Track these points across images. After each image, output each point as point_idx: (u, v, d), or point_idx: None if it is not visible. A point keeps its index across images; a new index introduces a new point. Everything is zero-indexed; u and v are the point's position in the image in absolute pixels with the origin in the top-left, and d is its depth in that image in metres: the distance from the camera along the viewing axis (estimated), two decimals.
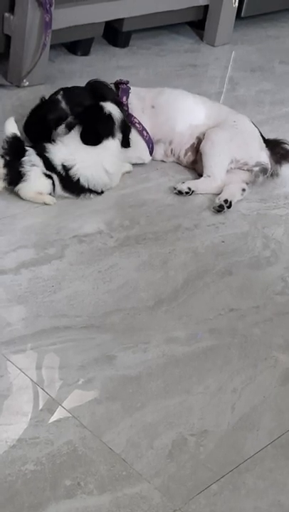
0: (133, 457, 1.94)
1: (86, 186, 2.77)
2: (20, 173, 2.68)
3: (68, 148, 2.76)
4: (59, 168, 2.73)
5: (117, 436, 1.98)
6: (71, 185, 2.76)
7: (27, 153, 2.69)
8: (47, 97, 2.97)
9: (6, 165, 2.68)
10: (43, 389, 2.07)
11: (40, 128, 2.92)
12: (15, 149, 2.69)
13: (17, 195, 2.72)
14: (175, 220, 2.82)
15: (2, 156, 2.70)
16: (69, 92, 2.93)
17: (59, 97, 2.92)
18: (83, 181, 2.76)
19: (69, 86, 3.00)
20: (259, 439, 2.06)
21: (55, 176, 2.73)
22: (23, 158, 2.68)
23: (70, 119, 2.88)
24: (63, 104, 2.90)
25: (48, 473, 1.86)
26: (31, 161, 2.69)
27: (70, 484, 1.85)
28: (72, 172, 2.74)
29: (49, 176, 2.72)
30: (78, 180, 2.75)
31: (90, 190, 2.79)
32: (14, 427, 1.95)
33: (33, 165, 2.68)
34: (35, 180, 2.69)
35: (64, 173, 2.74)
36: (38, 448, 1.91)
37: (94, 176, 2.77)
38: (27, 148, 2.71)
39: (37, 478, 1.84)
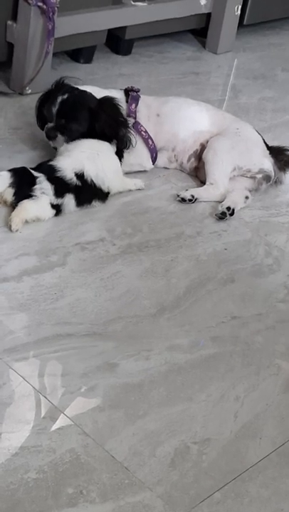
0: (135, 465, 1.93)
1: (98, 185, 2.78)
2: (30, 195, 2.66)
3: (72, 158, 2.78)
4: (74, 180, 2.73)
5: (120, 445, 1.98)
6: (87, 192, 2.77)
7: (38, 180, 2.68)
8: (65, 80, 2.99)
9: (16, 194, 2.67)
10: (46, 397, 2.06)
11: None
12: (24, 180, 2.68)
13: None
14: (177, 228, 2.82)
15: (12, 187, 2.67)
16: (69, 98, 2.91)
17: (59, 95, 2.91)
18: (95, 180, 2.77)
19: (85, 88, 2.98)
20: (262, 447, 2.06)
21: (67, 198, 2.72)
22: (35, 187, 2.67)
23: (51, 125, 2.91)
24: (55, 106, 2.90)
25: (51, 482, 1.85)
26: (42, 188, 2.68)
27: (73, 492, 1.84)
28: (85, 175, 2.75)
29: (54, 207, 2.70)
30: (92, 181, 2.77)
31: (99, 193, 2.80)
32: (16, 434, 1.95)
33: (43, 193, 2.68)
34: (41, 205, 2.67)
35: (80, 183, 2.74)
36: (40, 456, 1.90)
37: (100, 173, 2.79)
38: (37, 175, 2.69)
39: (39, 486, 1.84)
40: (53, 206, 2.70)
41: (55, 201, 2.70)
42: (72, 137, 2.88)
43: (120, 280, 2.52)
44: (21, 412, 2.01)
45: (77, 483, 1.86)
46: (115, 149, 2.90)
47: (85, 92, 2.94)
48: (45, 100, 2.96)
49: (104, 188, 2.82)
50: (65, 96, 2.91)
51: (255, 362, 2.32)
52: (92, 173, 2.77)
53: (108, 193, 2.84)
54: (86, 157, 2.79)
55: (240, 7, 4.20)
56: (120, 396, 2.11)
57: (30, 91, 3.41)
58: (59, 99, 2.90)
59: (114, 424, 2.03)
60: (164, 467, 1.95)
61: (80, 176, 2.75)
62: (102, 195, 2.82)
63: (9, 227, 2.61)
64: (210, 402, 2.16)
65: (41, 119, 2.99)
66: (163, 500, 1.87)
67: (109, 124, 2.89)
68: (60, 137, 2.90)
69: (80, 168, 2.76)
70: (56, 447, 1.93)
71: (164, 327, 2.38)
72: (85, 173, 2.76)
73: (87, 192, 2.78)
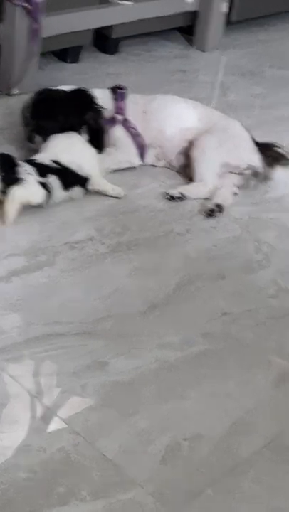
0: (126, 463, 1.93)
1: (74, 171, 2.81)
2: (17, 179, 2.67)
3: (48, 152, 2.83)
4: (53, 164, 2.77)
5: (110, 443, 1.97)
6: (67, 175, 2.79)
7: (20, 163, 2.72)
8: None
9: (3, 179, 2.67)
10: (36, 396, 2.06)
11: None
12: (7, 164, 2.70)
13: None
14: (167, 226, 2.82)
15: None
16: (37, 99, 2.98)
17: (30, 100, 2.99)
18: (70, 165, 2.80)
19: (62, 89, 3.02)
20: (253, 443, 2.06)
21: (52, 178, 2.73)
22: (18, 168, 2.69)
23: (28, 128, 2.98)
24: (28, 109, 2.98)
25: (41, 481, 1.85)
26: (26, 170, 2.70)
27: (63, 491, 1.84)
28: (61, 162, 2.79)
29: (44, 185, 2.71)
30: (69, 166, 2.80)
31: (78, 178, 2.82)
32: (7, 434, 1.94)
33: (29, 173, 2.69)
34: (31, 186, 2.68)
35: (59, 166, 2.77)
36: (30, 455, 1.90)
37: (76, 160, 2.82)
38: (18, 162, 2.73)
39: (30, 485, 1.83)
40: (41, 185, 2.71)
41: (42, 180, 2.71)
42: (47, 135, 2.91)
43: (109, 279, 2.51)
44: (11, 412, 2.00)
45: (67, 481, 1.86)
46: (86, 137, 2.92)
47: (54, 90, 3.00)
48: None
49: (82, 174, 2.83)
50: (34, 98, 2.98)
51: (246, 358, 2.32)
52: (65, 161, 2.80)
53: (87, 178, 2.84)
54: (58, 151, 2.83)
55: (226, 4, 4.19)
56: (111, 394, 2.11)
57: (17, 91, 3.40)
58: (30, 102, 2.98)
59: (105, 423, 2.02)
60: (155, 464, 1.94)
61: (56, 162, 2.78)
62: (82, 180, 2.84)
63: (5, 221, 2.61)
64: (201, 398, 2.15)
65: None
66: (154, 498, 1.86)
67: (75, 110, 2.93)
68: (37, 138, 2.95)
69: (54, 158, 2.79)
70: (47, 446, 1.93)
71: (154, 325, 2.37)
72: (60, 161, 2.79)
73: (68, 175, 2.79)
